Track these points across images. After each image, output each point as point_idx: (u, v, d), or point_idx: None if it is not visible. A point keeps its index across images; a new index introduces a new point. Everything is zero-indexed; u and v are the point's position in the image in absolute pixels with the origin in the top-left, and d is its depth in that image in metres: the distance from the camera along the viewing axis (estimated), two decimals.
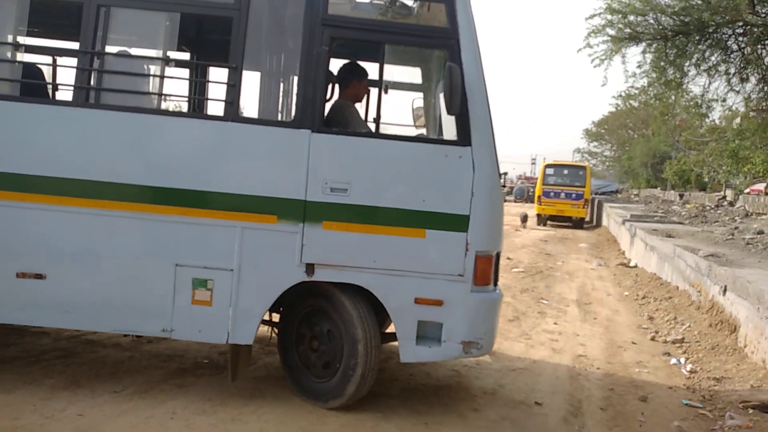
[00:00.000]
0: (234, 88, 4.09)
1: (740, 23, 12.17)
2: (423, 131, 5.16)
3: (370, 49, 4.42)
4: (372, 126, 4.40)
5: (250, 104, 4.75)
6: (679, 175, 32.66)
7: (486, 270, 4.09)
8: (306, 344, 4.36)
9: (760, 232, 12.58)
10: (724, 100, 13.00)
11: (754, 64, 12.46)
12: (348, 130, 4.27)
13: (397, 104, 5.29)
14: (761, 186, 24.94)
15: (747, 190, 26.01)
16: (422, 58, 4.86)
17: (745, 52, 12.58)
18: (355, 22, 4.16)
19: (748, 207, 20.68)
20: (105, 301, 4.13)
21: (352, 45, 4.91)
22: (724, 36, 12.63)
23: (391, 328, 4.23)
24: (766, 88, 12.58)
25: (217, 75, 5.10)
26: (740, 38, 12.65)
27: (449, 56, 4.00)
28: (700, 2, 11.78)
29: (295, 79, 4.15)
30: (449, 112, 3.88)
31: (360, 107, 4.82)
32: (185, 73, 5.67)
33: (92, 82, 4.15)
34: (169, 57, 4.29)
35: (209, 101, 4.77)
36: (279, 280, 4.11)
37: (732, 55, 12.72)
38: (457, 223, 3.99)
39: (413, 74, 5.39)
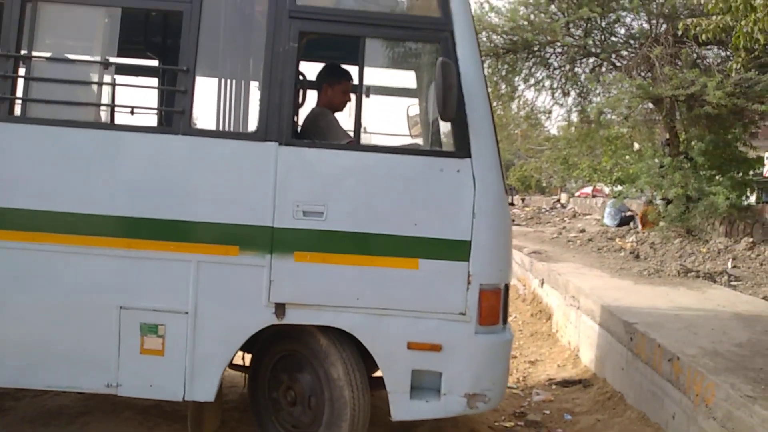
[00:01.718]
0: (185, 95, 3.39)
1: (559, 43, 13.51)
2: (420, 142, 4.44)
3: (348, 48, 3.71)
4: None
5: (205, 114, 4.04)
6: (521, 180, 36.22)
7: (493, 306, 3.39)
8: (281, 398, 3.65)
9: (582, 231, 14.34)
10: (550, 112, 14.84)
11: (572, 81, 14.12)
12: (323, 142, 3.57)
13: (386, 112, 4.58)
14: (588, 189, 28.06)
15: (577, 194, 29.18)
16: (413, 57, 4.14)
17: (565, 70, 14.14)
18: (328, 13, 3.46)
19: (577, 208, 23.02)
20: (35, 352, 3.41)
21: (327, 44, 4.19)
22: (546, 54, 14.15)
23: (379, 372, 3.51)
24: (583, 102, 14.27)
25: (169, 82, 4.40)
26: (560, 57, 14.17)
27: (442, 51, 3.31)
28: (525, 23, 13.11)
29: (259, 84, 3.44)
30: (444, 117, 3.18)
31: (345, 118, 4.08)
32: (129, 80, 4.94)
33: (14, 92, 3.46)
34: (107, 61, 3.59)
35: (156, 112, 4.07)
36: (243, 324, 3.42)
37: (555, 72, 14.34)
38: (457, 250, 3.31)
39: (405, 78, 4.69)
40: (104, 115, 3.72)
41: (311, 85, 4.10)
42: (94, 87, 3.60)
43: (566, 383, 5.54)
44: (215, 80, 3.78)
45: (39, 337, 3.43)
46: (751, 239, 9.79)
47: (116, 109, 3.91)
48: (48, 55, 3.60)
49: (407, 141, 4.48)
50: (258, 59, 3.45)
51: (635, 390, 4.60)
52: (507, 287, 3.53)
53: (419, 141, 4.59)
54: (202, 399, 3.45)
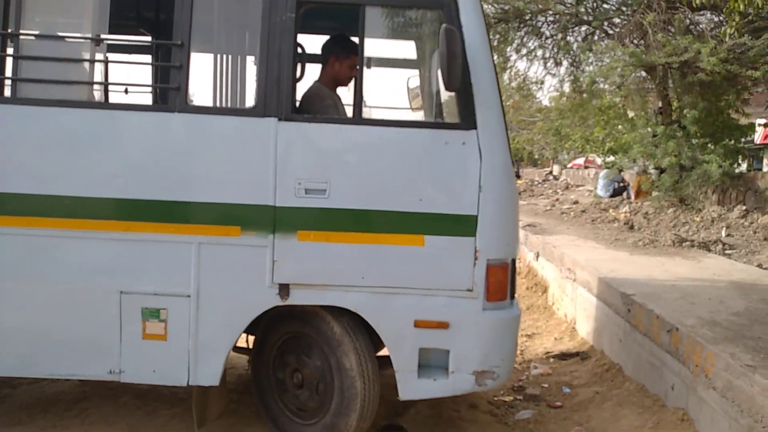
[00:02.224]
0: (180, 71, 3.29)
1: (550, 12, 13.39)
2: (422, 116, 4.35)
3: (346, 18, 3.60)
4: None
5: (201, 91, 3.93)
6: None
7: (500, 282, 3.35)
8: (287, 379, 3.62)
9: (575, 202, 14.30)
10: (542, 83, 14.81)
11: (564, 50, 13.89)
12: (323, 116, 3.49)
13: (387, 84, 4.48)
14: (581, 161, 27.94)
15: (569, 165, 29.11)
16: (414, 26, 4.03)
17: (557, 39, 14.00)
18: None
19: (569, 180, 22.96)
20: (35, 340, 3.37)
21: (324, 14, 4.07)
22: (538, 23, 13.99)
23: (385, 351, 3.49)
24: (575, 71, 14.13)
25: (163, 58, 4.27)
26: (552, 25, 14.06)
27: (445, 17, 3.21)
28: None
29: (257, 57, 3.34)
30: (448, 87, 3.10)
31: (343, 92, 3.98)
32: (122, 58, 4.80)
33: (3, 72, 3.34)
34: (99, 37, 3.46)
35: (151, 89, 3.95)
36: (247, 306, 3.38)
37: (546, 42, 14.22)
38: (463, 225, 3.27)
39: (406, 48, 4.57)
40: (98, 94, 3.62)
41: (312, 58, 3.99)
42: (86, 65, 3.49)
43: (564, 356, 5.56)
44: (211, 55, 3.67)
45: (39, 324, 3.37)
46: (744, 207, 9.84)
47: (110, 87, 3.78)
48: (37, 32, 3.47)
49: (408, 114, 4.40)
50: (255, 31, 3.35)
51: (634, 361, 4.63)
52: (514, 262, 3.50)
53: (420, 114, 4.50)
54: (207, 383, 3.42)
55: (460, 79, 3.14)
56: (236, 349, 3.75)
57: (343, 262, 3.34)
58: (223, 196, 3.32)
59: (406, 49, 4.42)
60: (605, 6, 14.36)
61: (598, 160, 28.07)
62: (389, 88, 4.64)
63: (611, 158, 16.33)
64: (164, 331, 3.38)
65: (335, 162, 3.32)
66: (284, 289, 3.35)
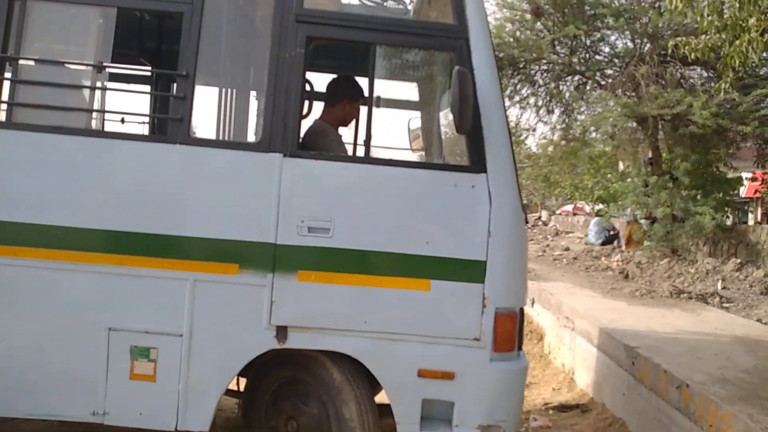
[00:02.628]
0: (184, 101, 3.19)
1: (544, 61, 13.66)
2: (421, 157, 4.27)
3: (355, 57, 3.54)
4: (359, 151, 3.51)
5: (204, 123, 3.82)
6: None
7: (509, 332, 3.21)
8: (281, 427, 3.43)
9: (566, 249, 14.41)
10: (534, 130, 14.96)
11: (556, 98, 14.16)
12: (330, 154, 3.39)
13: (388, 125, 4.41)
14: (569, 207, 28.47)
15: (558, 211, 29.47)
16: (425, 66, 3.98)
17: (550, 87, 14.25)
18: (337, 17, 3.29)
19: (558, 226, 23.37)
20: (15, 377, 3.17)
21: (332, 52, 4.00)
22: (532, 71, 14.34)
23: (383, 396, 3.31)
24: (567, 119, 14.38)
25: (163, 90, 4.18)
26: (545, 74, 14.39)
27: (457, 59, 3.14)
28: (511, 40, 13.30)
29: (263, 91, 3.25)
30: (460, 130, 3.01)
31: (345, 131, 3.91)
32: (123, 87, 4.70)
33: None
34: (101, 64, 3.36)
35: (152, 119, 3.84)
36: (242, 348, 3.20)
37: (539, 90, 14.48)
38: (471, 271, 3.14)
39: (407, 90, 4.53)
40: (95, 123, 3.49)
41: (319, 95, 3.91)
42: (86, 92, 3.37)
43: (563, 408, 5.41)
44: (216, 87, 3.57)
45: (19, 360, 3.18)
46: (738, 260, 9.80)
47: (109, 116, 3.66)
48: (37, 57, 3.36)
49: (416, 155, 4.31)
50: (262, 65, 3.26)
51: (639, 417, 4.47)
52: (522, 311, 3.36)
53: (424, 155, 4.42)
54: (196, 429, 3.21)
55: (471, 122, 3.06)
56: (226, 391, 3.55)
57: (345, 305, 3.19)
58: (222, 232, 3.18)
59: (415, 89, 4.36)
60: (597, 57, 14.66)
61: (587, 208, 28.50)
62: (396, 128, 4.56)
63: (602, 206, 16.40)
64: (153, 372, 3.19)
65: (340, 201, 3.21)
66: (282, 332, 3.19)
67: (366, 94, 3.66)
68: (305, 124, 3.72)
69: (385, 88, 4.17)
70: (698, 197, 11.84)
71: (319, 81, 3.96)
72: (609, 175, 18.65)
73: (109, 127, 3.84)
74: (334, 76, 3.96)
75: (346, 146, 3.91)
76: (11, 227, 3.14)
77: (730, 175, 14.17)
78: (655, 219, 13.33)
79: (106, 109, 3.48)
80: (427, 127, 4.46)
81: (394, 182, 3.22)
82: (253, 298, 3.16)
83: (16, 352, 3.17)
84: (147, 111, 4.26)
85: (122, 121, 4.24)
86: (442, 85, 3.64)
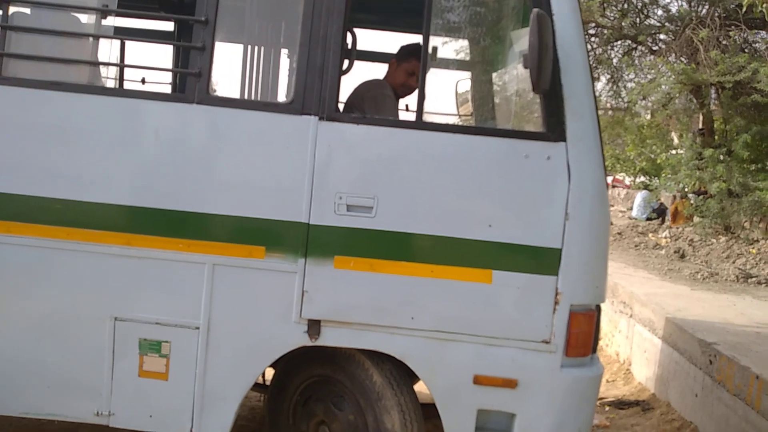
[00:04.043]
0: (203, 53, 2.68)
1: (593, 24, 12.89)
2: (486, 122, 3.70)
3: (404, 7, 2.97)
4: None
5: (227, 79, 3.29)
6: None
7: (585, 333, 2.70)
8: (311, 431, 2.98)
9: (610, 223, 13.85)
10: None
11: (605, 64, 13.41)
12: (374, 118, 2.86)
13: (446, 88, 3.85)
14: (609, 179, 28.40)
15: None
16: (489, 14, 3.38)
17: (597, 53, 13.50)
18: None
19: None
20: (10, 372, 2.78)
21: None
22: None
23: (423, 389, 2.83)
24: (614, 87, 13.67)
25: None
26: (593, 38, 13.46)
27: (533, 2, 2.56)
28: None
29: (296, 43, 2.72)
30: (537, 88, 2.46)
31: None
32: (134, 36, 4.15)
33: None
34: (106, 6, 2.86)
35: (165, 75, 3.33)
36: (267, 344, 2.75)
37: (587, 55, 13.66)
38: (543, 261, 2.63)
39: (464, 48, 3.94)
40: (99, 78, 3.02)
41: (365, 55, 3.36)
42: (87, 42, 2.87)
43: (621, 404, 4.88)
44: (240, 38, 3.05)
45: (14, 353, 2.78)
46: None
47: (114, 70, 3.17)
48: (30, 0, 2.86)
49: (478, 120, 3.74)
50: (295, 11, 2.73)
51: (717, 423, 3.93)
52: (599, 309, 2.83)
53: (470, 122, 3.86)
54: None
55: (550, 79, 2.49)
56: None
57: (390, 298, 2.69)
58: (246, 209, 2.69)
59: (474, 46, 3.76)
60: (649, 21, 13.77)
61: (627, 180, 27.51)
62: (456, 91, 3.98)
63: (644, 179, 15.53)
64: (166, 369, 2.77)
65: (386, 174, 2.68)
66: (314, 327, 2.71)
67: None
68: (348, 84, 3.19)
69: (442, 45, 3.60)
70: (757, 171, 11.03)
71: (364, 38, 3.40)
72: (654, 147, 17.90)
73: (113, 83, 3.35)
74: (379, 31, 3.40)
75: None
76: (3, 200, 2.70)
77: None
78: (705, 193, 12.56)
79: (114, 61, 2.98)
80: (483, 89, 3.89)
81: (452, 152, 2.68)
82: (282, 286, 2.69)
83: (10, 345, 2.77)
84: (161, 66, 3.73)
85: (143, 80, 3.76)
86: (513, 36, 3.06)
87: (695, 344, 4.30)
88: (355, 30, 3.08)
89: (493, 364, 2.68)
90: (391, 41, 3.30)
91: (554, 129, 2.62)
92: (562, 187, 2.61)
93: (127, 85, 3.42)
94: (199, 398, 2.75)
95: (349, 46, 2.98)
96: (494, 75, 3.70)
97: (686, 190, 13.41)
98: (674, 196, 15.01)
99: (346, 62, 3.01)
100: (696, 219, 12.11)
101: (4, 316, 2.75)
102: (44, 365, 2.77)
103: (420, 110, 2.72)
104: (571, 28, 2.65)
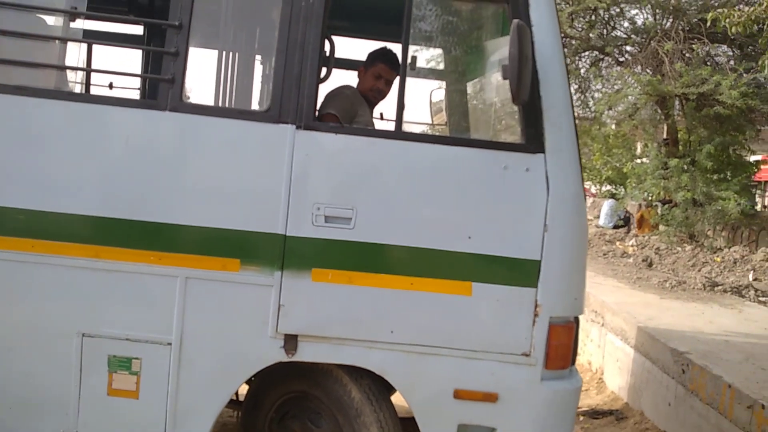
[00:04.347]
0: (176, 59, 2.59)
1: (561, 35, 13.00)
2: (447, 133, 3.69)
3: (383, 14, 2.94)
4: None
5: (201, 86, 3.20)
6: None
7: (564, 346, 2.68)
8: None
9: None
10: None
11: (572, 74, 13.38)
12: (354, 128, 2.81)
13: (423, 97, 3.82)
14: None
15: None
16: (469, 23, 3.36)
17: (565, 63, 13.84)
18: None
19: None
20: None
21: (356, 6, 3.36)
22: None
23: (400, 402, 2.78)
24: (582, 97, 13.91)
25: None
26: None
27: (512, 12, 2.55)
28: None
29: (273, 49, 2.66)
30: (517, 99, 2.43)
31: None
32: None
33: None
34: (75, 8, 2.76)
35: (135, 80, 3.23)
36: (242, 360, 2.67)
37: None
38: (522, 272, 2.60)
39: (435, 57, 3.93)
40: (66, 83, 2.90)
41: (343, 62, 3.31)
42: (54, 45, 2.76)
43: (595, 414, 4.89)
44: (215, 45, 2.97)
45: None
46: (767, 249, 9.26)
47: (83, 75, 3.05)
48: None
49: (458, 131, 3.70)
50: (272, 17, 2.67)
51: None
52: (578, 321, 2.82)
53: (444, 131, 3.84)
54: None
55: (530, 89, 2.48)
56: None
57: (369, 311, 2.63)
58: (220, 220, 2.61)
59: (456, 54, 3.73)
60: (616, 33, 14.04)
61: (593, 189, 27.90)
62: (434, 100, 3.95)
63: (609, 187, 15.73)
64: (136, 387, 2.65)
65: (365, 184, 2.63)
66: (291, 342, 2.64)
67: (389, 62, 3.12)
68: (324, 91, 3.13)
69: (420, 54, 3.57)
70: (723, 181, 11.30)
71: (342, 46, 3.35)
72: (620, 156, 18.20)
73: (82, 89, 3.23)
74: (357, 39, 3.36)
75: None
76: None
77: (748, 158, 13.64)
78: (669, 202, 12.82)
79: (83, 66, 2.88)
80: (459, 99, 3.87)
81: (431, 163, 2.65)
82: (257, 300, 2.61)
83: None
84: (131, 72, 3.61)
85: (110, 85, 3.64)
86: (492, 46, 3.04)
87: (668, 353, 4.34)
88: (334, 38, 3.03)
89: (474, 378, 2.64)
90: (369, 49, 3.23)
91: (533, 140, 2.60)
92: (540, 199, 2.59)
93: (93, 90, 3.32)
94: (172, 417, 2.65)
95: (327, 54, 2.93)
96: (471, 85, 3.69)
97: (651, 198, 13.68)
98: (639, 205, 15.28)
99: (324, 70, 2.95)
100: (661, 227, 12.35)
101: None
102: (6, 384, 2.64)
103: (399, 120, 2.68)
104: (550, 39, 2.64)
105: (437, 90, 4.13)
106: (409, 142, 2.67)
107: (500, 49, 2.88)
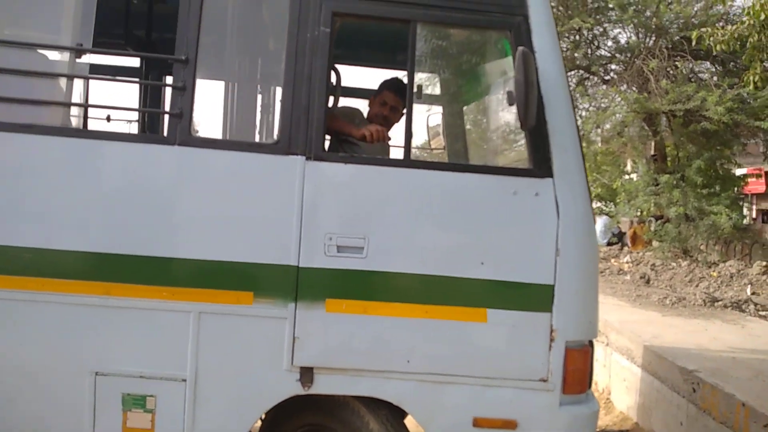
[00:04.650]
0: (184, 93, 2.59)
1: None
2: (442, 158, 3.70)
3: (388, 41, 2.97)
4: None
5: (209, 120, 3.20)
6: None
7: (581, 370, 2.68)
8: None
9: None
10: None
11: None
12: (364, 157, 2.81)
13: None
14: None
15: None
16: (472, 50, 3.39)
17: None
18: None
19: None
20: None
21: (362, 35, 3.39)
22: None
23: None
24: None
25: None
26: None
27: (514, 40, 2.58)
28: None
29: (281, 81, 2.67)
30: (525, 124, 2.45)
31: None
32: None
33: None
34: (81, 46, 2.76)
35: (144, 115, 3.22)
36: (258, 395, 2.63)
37: None
38: (536, 297, 2.60)
39: (436, 84, 3.96)
40: (74, 120, 2.89)
41: (350, 91, 3.34)
42: (61, 82, 2.75)
43: None
44: (222, 77, 2.98)
45: None
46: (764, 263, 9.32)
47: (90, 113, 3.05)
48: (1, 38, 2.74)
49: (467, 158, 3.71)
50: (279, 49, 2.68)
51: None
52: (592, 344, 2.81)
53: (441, 156, 3.86)
54: None
55: (536, 114, 2.50)
56: None
57: (385, 341, 2.61)
58: (232, 254, 2.59)
59: (460, 80, 3.76)
60: (600, 52, 14.26)
61: None
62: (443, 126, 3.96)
63: (610, 205, 15.80)
64: (151, 425, 2.61)
65: (376, 213, 2.63)
66: (307, 374, 2.61)
67: (395, 89, 3.15)
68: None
69: (426, 80, 3.60)
70: (714, 196, 11.41)
71: (348, 75, 3.38)
72: (609, 173, 18.38)
73: (90, 125, 3.22)
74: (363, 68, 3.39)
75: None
76: None
77: (736, 172, 13.81)
78: (661, 217, 12.92)
79: (91, 102, 2.87)
80: (455, 124, 3.90)
81: (441, 190, 2.65)
82: (272, 333, 2.59)
83: None
84: (134, 107, 3.61)
85: (108, 118, 3.64)
86: (496, 72, 3.07)
87: (676, 372, 4.33)
88: (339, 67, 3.05)
89: (492, 405, 2.62)
90: (377, 77, 3.27)
91: (541, 165, 2.62)
92: (551, 223, 2.60)
93: (95, 125, 3.31)
94: None
95: (334, 84, 2.95)
96: (475, 111, 3.72)
97: (643, 214, 13.78)
98: (631, 221, 15.38)
99: (330, 99, 2.97)
100: (655, 243, 12.42)
101: None
102: (19, 425, 2.58)
103: (407, 148, 2.69)
104: (553, 64, 2.68)
105: (433, 115, 4.16)
106: (418, 170, 2.68)
107: (504, 75, 2.91)
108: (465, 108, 3.81)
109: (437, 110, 4.11)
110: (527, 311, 2.62)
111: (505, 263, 2.63)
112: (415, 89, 2.76)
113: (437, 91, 3.98)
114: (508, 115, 2.92)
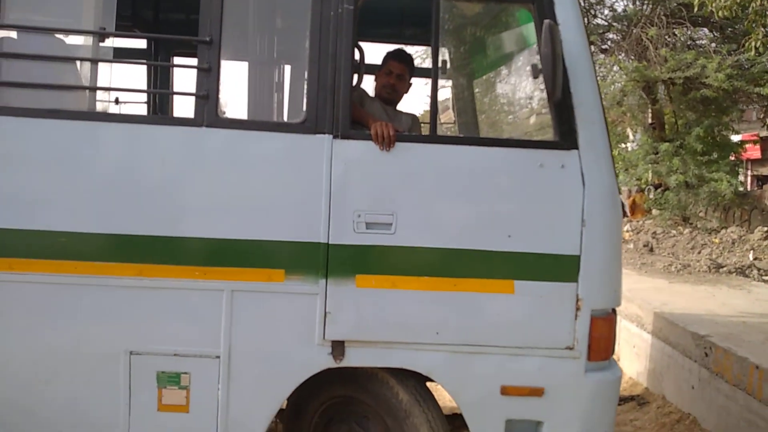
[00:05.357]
0: (209, 74, 2.60)
1: None
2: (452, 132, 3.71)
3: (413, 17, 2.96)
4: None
5: (235, 101, 3.19)
6: None
7: (605, 337, 2.72)
8: None
9: None
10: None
11: None
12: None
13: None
14: None
15: None
16: (495, 24, 3.39)
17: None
18: None
19: None
20: (18, 414, 2.64)
21: (385, 12, 3.37)
22: None
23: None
24: None
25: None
26: None
27: (537, 13, 2.59)
28: None
29: (306, 61, 2.67)
30: (552, 97, 2.47)
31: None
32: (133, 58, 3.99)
33: None
34: (104, 29, 2.76)
35: (170, 98, 3.22)
36: (291, 369, 2.68)
37: None
38: (563, 268, 2.65)
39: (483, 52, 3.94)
40: (102, 105, 2.90)
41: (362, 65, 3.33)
42: (86, 67, 2.75)
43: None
44: (246, 55, 2.98)
45: (23, 393, 2.62)
46: (765, 229, 9.42)
47: (120, 96, 3.05)
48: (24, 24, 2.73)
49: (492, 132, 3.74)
50: (303, 28, 2.68)
51: (717, 414, 4.04)
52: (615, 312, 2.87)
53: (450, 130, 3.88)
54: None
55: (562, 87, 2.53)
56: None
57: (414, 314, 2.66)
58: (263, 232, 2.62)
59: (475, 54, 3.76)
60: (597, 21, 14.20)
61: None
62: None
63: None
64: (186, 401, 2.66)
65: (404, 190, 2.65)
66: (338, 348, 2.66)
67: (398, 58, 3.14)
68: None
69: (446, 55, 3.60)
70: (714, 163, 11.47)
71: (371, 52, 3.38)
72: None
73: (118, 109, 3.23)
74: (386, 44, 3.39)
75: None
76: (5, 235, 2.57)
77: (733, 138, 13.86)
78: (660, 186, 12.99)
79: (118, 87, 2.88)
80: (467, 98, 3.91)
81: (467, 165, 2.68)
82: (303, 309, 2.63)
83: (16, 386, 2.62)
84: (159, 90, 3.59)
85: (116, 101, 3.62)
86: (518, 45, 3.08)
87: (688, 337, 4.42)
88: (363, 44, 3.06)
89: (520, 374, 2.68)
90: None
91: (566, 137, 2.64)
92: (577, 195, 2.64)
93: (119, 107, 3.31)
94: (223, 429, 2.65)
95: (357, 61, 2.95)
96: (499, 85, 3.73)
97: (641, 183, 13.85)
98: (629, 190, 15.43)
99: (355, 77, 2.97)
100: (655, 211, 12.52)
101: (10, 357, 2.60)
102: (56, 406, 2.63)
103: (433, 124, 2.71)
104: (577, 36, 2.68)
105: (444, 88, 4.17)
106: (444, 145, 2.71)
107: (528, 49, 2.93)
108: (483, 81, 3.82)
109: (447, 83, 4.11)
110: (554, 282, 2.66)
111: (532, 235, 2.67)
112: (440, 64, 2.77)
113: (460, 66, 3.96)
114: (533, 88, 2.94)
